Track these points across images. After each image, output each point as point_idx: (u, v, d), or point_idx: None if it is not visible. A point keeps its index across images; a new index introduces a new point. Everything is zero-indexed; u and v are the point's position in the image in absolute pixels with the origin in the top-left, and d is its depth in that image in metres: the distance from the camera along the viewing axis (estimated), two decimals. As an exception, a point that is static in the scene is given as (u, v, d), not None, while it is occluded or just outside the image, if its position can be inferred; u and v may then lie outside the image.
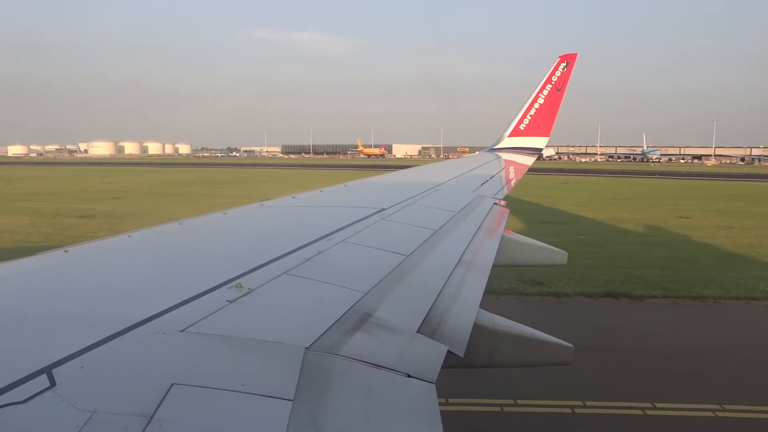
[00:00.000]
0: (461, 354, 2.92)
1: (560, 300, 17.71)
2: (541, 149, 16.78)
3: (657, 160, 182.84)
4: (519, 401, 10.64)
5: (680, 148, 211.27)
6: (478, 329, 3.50)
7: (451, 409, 10.04)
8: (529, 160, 16.08)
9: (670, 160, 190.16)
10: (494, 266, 4.96)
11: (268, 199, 6.90)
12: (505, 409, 10.46)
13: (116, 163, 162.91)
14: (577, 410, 10.41)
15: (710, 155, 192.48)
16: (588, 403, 10.61)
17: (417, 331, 2.97)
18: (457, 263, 4.50)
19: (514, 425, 10.08)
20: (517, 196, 45.84)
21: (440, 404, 2.22)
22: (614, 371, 12.31)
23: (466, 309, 3.55)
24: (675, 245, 26.92)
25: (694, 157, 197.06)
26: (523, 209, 39.95)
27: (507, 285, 18.63)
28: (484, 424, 10.02)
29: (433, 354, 2.73)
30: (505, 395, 10.75)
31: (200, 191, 56.46)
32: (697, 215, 37.74)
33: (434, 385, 2.39)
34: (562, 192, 57.19)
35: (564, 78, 15.72)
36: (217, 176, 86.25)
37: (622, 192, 58.41)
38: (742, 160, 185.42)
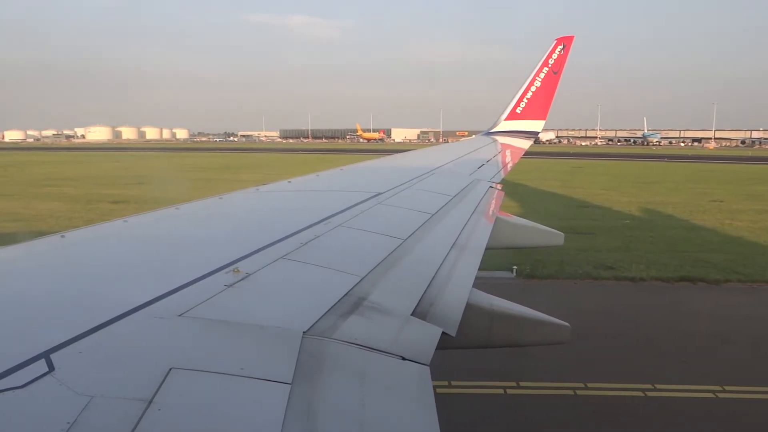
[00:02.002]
0: (453, 334, 2.98)
1: (638, 285, 17.71)
2: (538, 132, 16.74)
3: (658, 143, 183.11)
4: (727, 388, 10.70)
5: (680, 131, 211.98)
6: (474, 310, 3.59)
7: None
8: (525, 144, 16.09)
9: (670, 143, 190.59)
10: (492, 249, 5.05)
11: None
12: (720, 394, 10.50)
13: (116, 148, 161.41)
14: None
15: (710, 138, 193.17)
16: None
17: (412, 314, 3.01)
18: (452, 246, 4.53)
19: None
20: (540, 180, 45.91)
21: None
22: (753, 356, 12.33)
23: (459, 290, 3.61)
24: (723, 229, 26.95)
25: (694, 140, 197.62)
26: (552, 194, 39.99)
27: (581, 270, 18.69)
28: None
29: (427, 337, 2.78)
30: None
31: (218, 176, 56.07)
32: (728, 199, 37.80)
33: (428, 367, 2.43)
34: (582, 176, 57.25)
35: (561, 61, 15.56)
36: (226, 161, 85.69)
37: (642, 176, 58.37)
38: (743, 143, 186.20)
